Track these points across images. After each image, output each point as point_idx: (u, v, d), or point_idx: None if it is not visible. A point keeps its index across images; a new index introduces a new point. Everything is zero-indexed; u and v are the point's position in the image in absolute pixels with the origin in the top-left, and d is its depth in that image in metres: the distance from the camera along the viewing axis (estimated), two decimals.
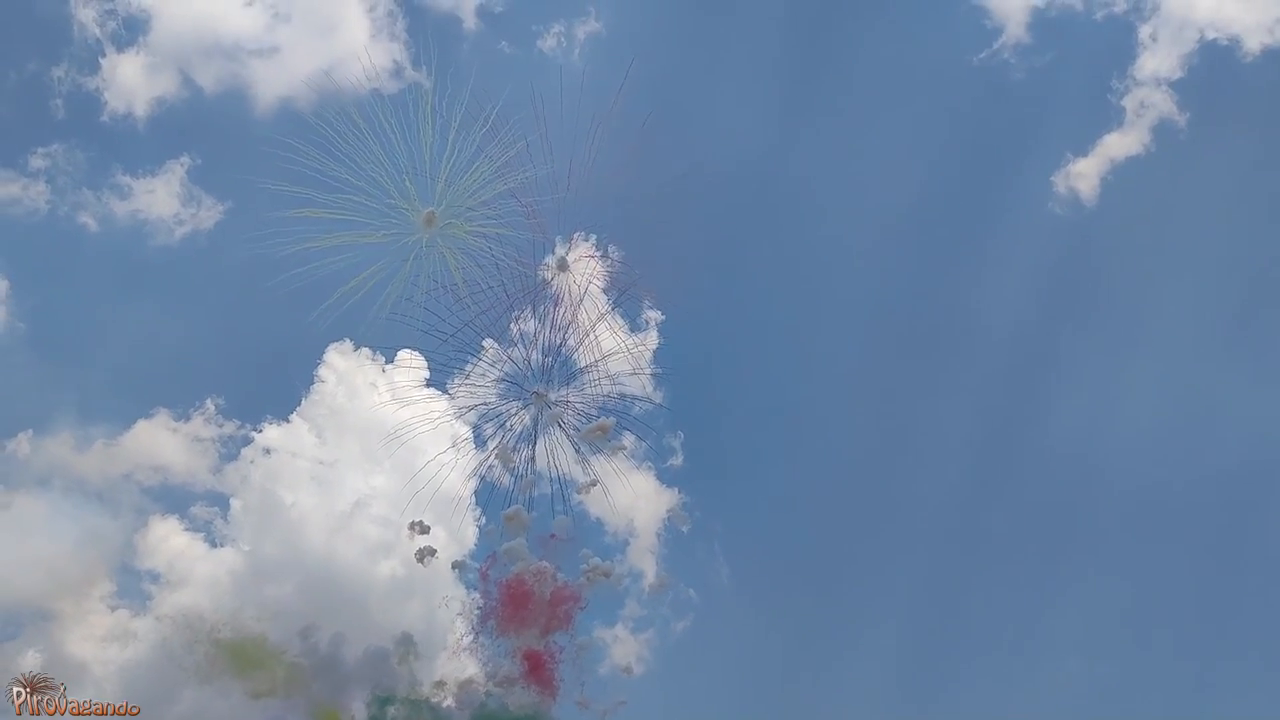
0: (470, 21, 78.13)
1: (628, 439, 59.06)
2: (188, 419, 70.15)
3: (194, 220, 74.80)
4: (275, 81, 74.14)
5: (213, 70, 75.66)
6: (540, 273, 57.36)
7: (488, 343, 58.25)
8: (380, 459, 62.14)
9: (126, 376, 71.74)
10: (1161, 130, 76.69)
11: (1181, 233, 77.29)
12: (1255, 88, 77.05)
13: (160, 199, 74.69)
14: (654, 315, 60.19)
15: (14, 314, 70.78)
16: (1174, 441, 74.59)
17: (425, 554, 57.38)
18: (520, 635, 55.82)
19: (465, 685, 55.08)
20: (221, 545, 64.67)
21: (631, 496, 59.60)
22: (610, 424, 58.22)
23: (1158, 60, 77.23)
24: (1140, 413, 75.24)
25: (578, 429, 58.61)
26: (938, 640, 71.98)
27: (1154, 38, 77.64)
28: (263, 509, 64.90)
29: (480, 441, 59.10)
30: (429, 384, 59.37)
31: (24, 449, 65.83)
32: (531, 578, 56.20)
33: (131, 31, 75.23)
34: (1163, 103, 76.59)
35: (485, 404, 58.85)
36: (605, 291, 58.45)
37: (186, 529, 65.77)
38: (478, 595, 56.99)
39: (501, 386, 58.87)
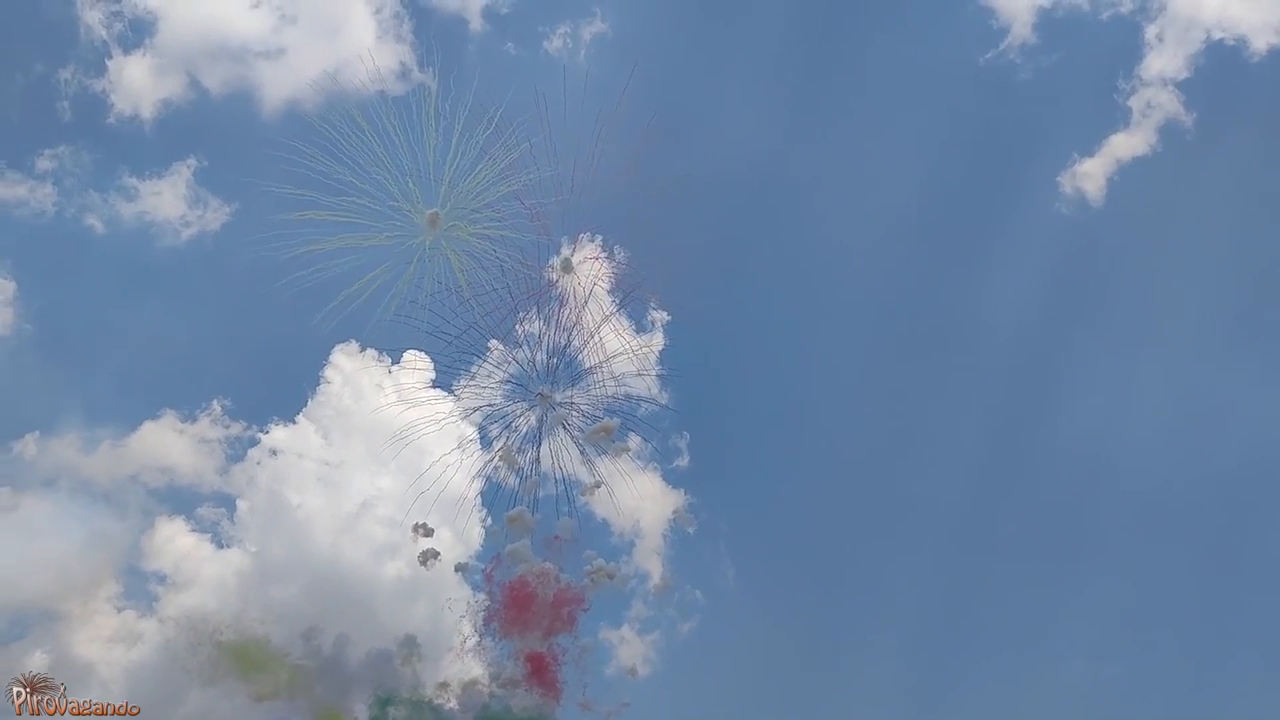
0: (476, 23, 78.38)
1: (633, 440, 59.24)
2: (194, 420, 70.39)
3: (200, 222, 75.14)
4: (282, 83, 74.42)
5: (219, 72, 75.99)
6: (545, 274, 57.43)
7: (493, 344, 58.39)
8: (386, 460, 62.07)
9: (133, 378, 72.25)
10: (1168, 130, 76.72)
11: (1188, 233, 77.20)
12: (1262, 88, 77.14)
13: (167, 201, 75.00)
14: (660, 316, 60.28)
15: (21, 315, 71.01)
16: (1181, 442, 74.62)
17: (428, 557, 57.52)
18: (523, 637, 55.88)
19: (469, 687, 55.17)
20: (228, 546, 64.92)
21: (637, 498, 59.69)
22: (615, 425, 58.27)
23: (1164, 60, 77.24)
24: (1147, 413, 75.32)
25: (583, 430, 58.76)
26: (944, 641, 71.99)
27: (1160, 38, 77.67)
28: (269, 510, 65.15)
29: (486, 442, 59.25)
30: (435, 385, 59.48)
31: (31, 450, 66.12)
32: (534, 580, 56.27)
33: (138, 33, 75.60)
34: (1169, 103, 76.57)
35: (490, 405, 59.00)
36: (611, 292, 58.55)
37: (193, 530, 66.00)
38: (483, 596, 57.27)
39: (507, 388, 59.02)
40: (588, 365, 58.75)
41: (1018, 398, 75.85)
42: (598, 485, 58.43)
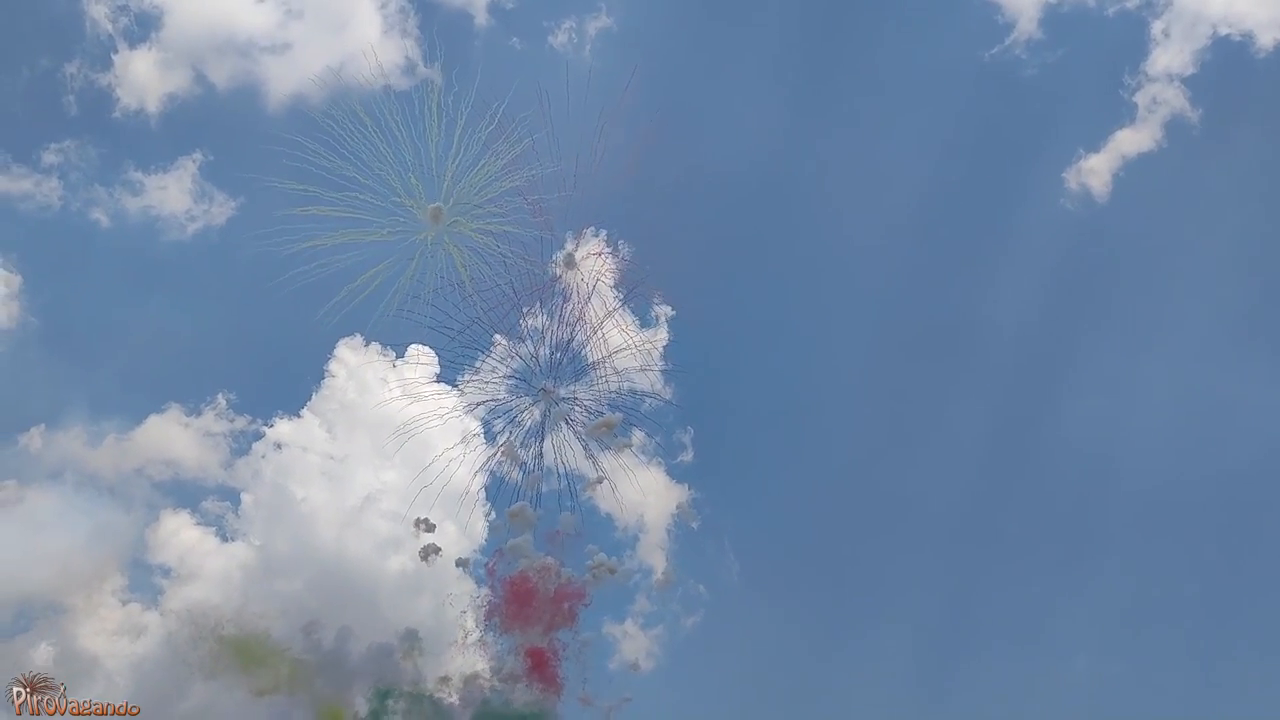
0: (481, 18, 78.13)
1: (636, 435, 59.30)
2: (199, 414, 70.49)
3: (206, 216, 75.13)
4: (287, 78, 74.23)
5: (225, 67, 75.89)
6: (549, 269, 57.49)
7: (497, 339, 58.46)
8: (391, 454, 62.18)
9: (138, 371, 72.37)
10: (1174, 126, 76.40)
11: (1194, 229, 77.01)
12: (1268, 84, 76.69)
13: (172, 195, 75.00)
14: (664, 311, 60.24)
15: (26, 309, 71.10)
16: (1186, 439, 74.37)
17: (429, 552, 57.66)
18: (524, 632, 55.98)
19: (469, 681, 55.30)
20: (233, 540, 65.07)
21: (641, 493, 59.73)
22: (617, 420, 58.32)
23: (1170, 56, 76.94)
24: (1152, 410, 75.07)
25: (585, 425, 58.79)
26: (947, 637, 71.93)
27: (1166, 33, 77.35)
28: (274, 504, 65.25)
29: (490, 436, 59.33)
30: (439, 379, 59.59)
31: (36, 443, 66.35)
32: (535, 575, 56.36)
33: (144, 28, 75.53)
34: (1175, 99, 76.31)
35: (494, 400, 59.07)
36: (615, 287, 58.57)
37: (198, 523, 66.17)
38: (486, 591, 57.42)
39: (510, 383, 59.09)
40: (591, 360, 58.96)
41: (1022, 394, 75.85)
42: (600, 480, 58.64)
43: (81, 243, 74.63)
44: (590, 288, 57.55)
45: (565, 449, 58.77)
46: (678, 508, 62.27)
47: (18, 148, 73.33)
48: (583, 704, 55.57)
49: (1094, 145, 76.76)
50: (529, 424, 59.06)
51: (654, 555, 62.26)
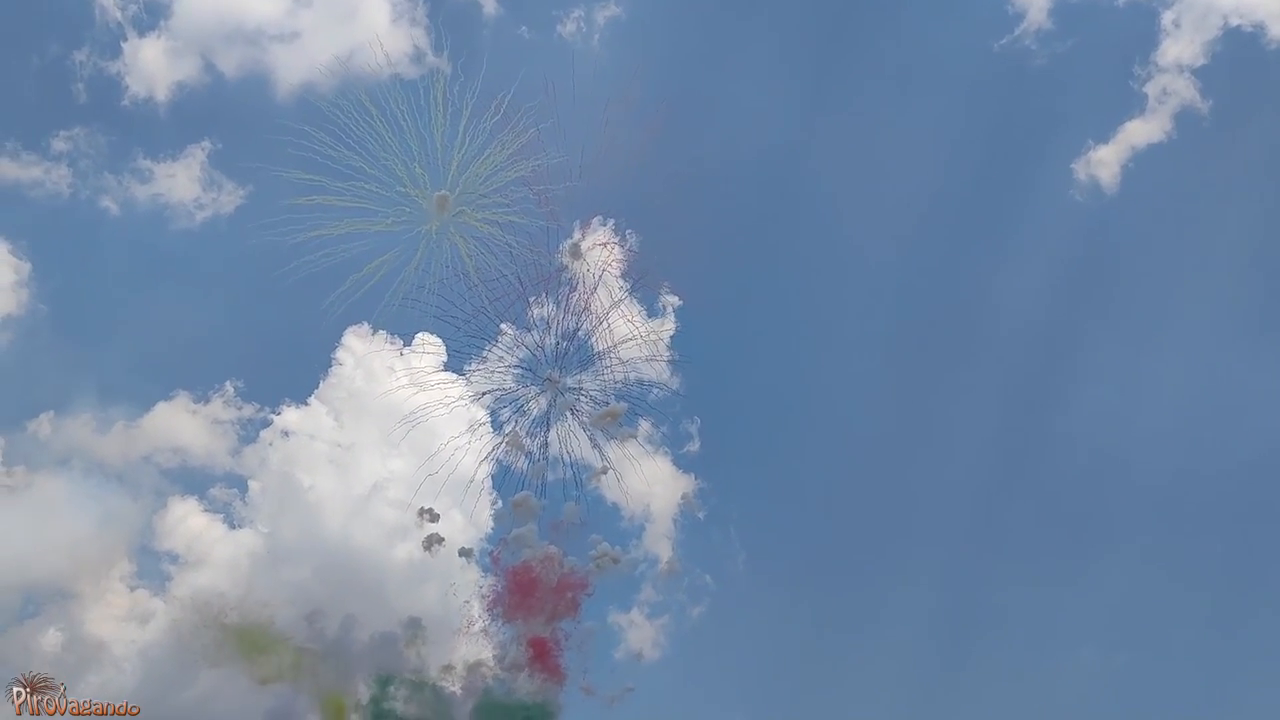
0: (490, 6, 78.35)
1: (641, 425, 59.25)
2: (207, 401, 70.92)
3: (214, 205, 75.52)
4: (296, 67, 74.42)
5: (234, 55, 76.19)
6: (555, 258, 57.41)
7: (505, 328, 58.41)
8: (398, 442, 62.28)
9: (147, 359, 72.67)
10: (1184, 117, 76.23)
11: (1203, 221, 76.86)
12: (1279, 75, 76.56)
13: (181, 183, 75.34)
14: (672, 300, 60.10)
15: (36, 296, 71.53)
16: (1194, 432, 74.42)
17: (433, 541, 57.64)
18: (527, 622, 56.08)
19: (472, 669, 55.43)
20: (240, 527, 65.43)
21: (647, 482, 59.68)
22: (621, 409, 58.20)
23: (1180, 47, 76.73)
24: (1161, 402, 75.14)
25: (591, 415, 58.75)
26: (954, 629, 71.99)
27: (1177, 24, 77.15)
28: (281, 491, 65.49)
29: (497, 425, 59.37)
30: (446, 368, 59.61)
31: (45, 430, 66.68)
32: (538, 564, 56.42)
33: (153, 16, 75.92)
34: (1185, 90, 76.08)
35: (500, 389, 59.06)
36: (623, 277, 58.48)
37: (205, 510, 66.63)
38: (491, 579, 57.49)
39: (517, 372, 59.07)
40: (597, 350, 58.92)
41: (1031, 386, 75.78)
42: (605, 470, 58.58)
43: (90, 230, 75.26)
44: (597, 277, 57.53)
45: (571, 438, 58.89)
46: (682, 498, 62.44)
47: (27, 135, 73.86)
48: (585, 693, 55.85)
49: (1103, 136, 76.85)
50: (535, 413, 59.16)
51: (660, 545, 62.36)
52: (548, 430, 58.57)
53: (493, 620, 56.61)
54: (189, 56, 75.52)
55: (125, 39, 75.24)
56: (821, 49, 79.89)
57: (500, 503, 58.38)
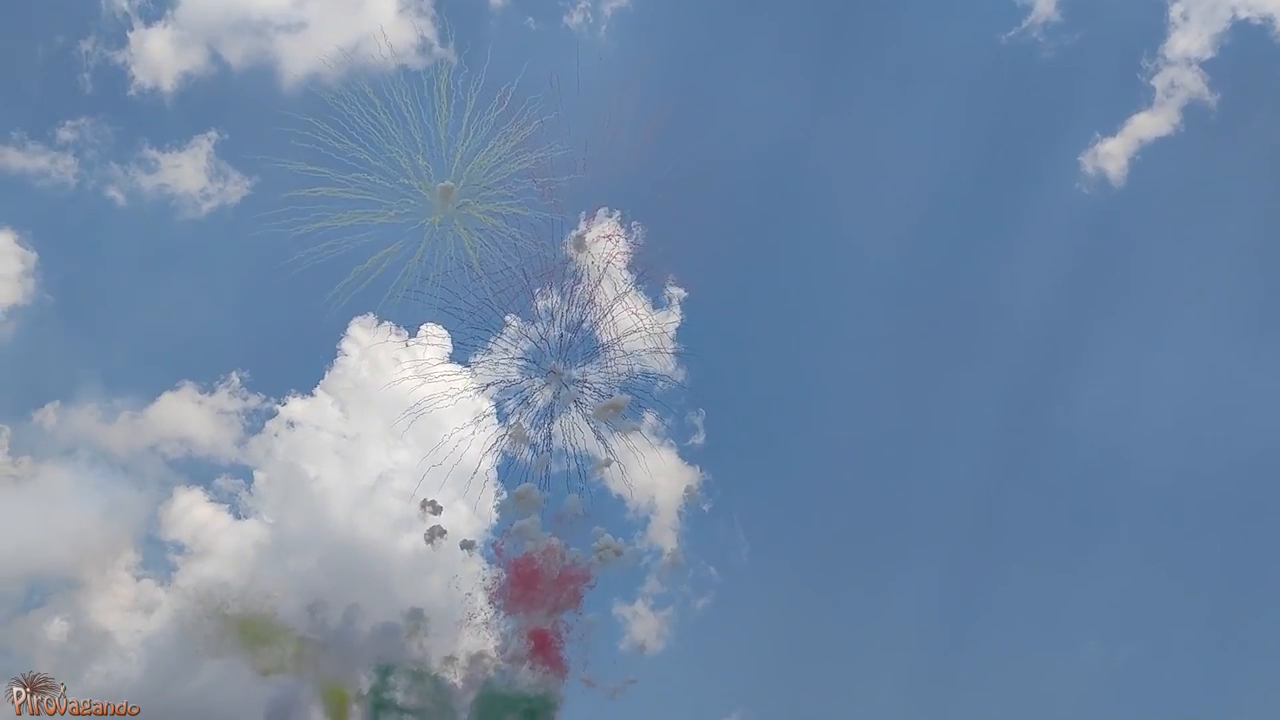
0: None
1: (649, 416, 59.21)
2: (213, 392, 71.09)
3: (221, 195, 75.44)
4: (302, 57, 74.32)
5: (240, 46, 76.11)
6: (560, 250, 57.33)
7: (510, 318, 58.38)
8: (403, 433, 62.34)
9: (152, 349, 72.98)
10: (1192, 111, 76.04)
11: (1210, 214, 76.75)
12: None
13: (187, 174, 75.35)
14: (677, 293, 60.03)
15: (42, 286, 71.64)
16: (1198, 427, 74.32)
17: (435, 534, 57.55)
18: (528, 614, 56.11)
19: (474, 660, 55.49)
20: (245, 517, 65.53)
21: (652, 474, 59.58)
22: (625, 401, 58.13)
23: (1189, 40, 76.52)
24: (1165, 397, 75.12)
25: (594, 407, 58.67)
26: (957, 621, 72.08)
27: (1185, 16, 76.94)
28: (286, 482, 65.54)
29: (503, 417, 59.37)
30: (452, 359, 59.61)
31: (51, 420, 67.00)
32: (540, 557, 56.44)
33: (159, 6, 75.99)
34: (1193, 83, 75.87)
35: (505, 381, 59.04)
36: (628, 269, 58.40)
37: (211, 501, 66.77)
38: (495, 571, 57.49)
39: (521, 363, 59.05)
40: (602, 342, 58.86)
41: (1035, 380, 75.76)
42: (608, 462, 58.48)
43: (96, 220, 75.33)
44: (601, 270, 57.45)
45: (575, 430, 58.88)
46: (686, 490, 62.43)
47: (33, 125, 74.06)
48: (586, 685, 55.91)
49: (1111, 129, 76.64)
50: (540, 405, 59.15)
51: (665, 537, 62.32)
52: (551, 422, 58.70)
53: (496, 612, 56.83)
54: (195, 47, 75.62)
55: (131, 29, 75.32)
56: (828, 40, 79.90)
57: (505, 494, 58.58)
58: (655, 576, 63.28)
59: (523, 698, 54.51)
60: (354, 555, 61.40)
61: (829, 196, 77.18)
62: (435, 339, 59.87)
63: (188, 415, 70.04)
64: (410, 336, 62.19)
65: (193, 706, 53.62)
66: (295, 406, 67.90)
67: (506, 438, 58.08)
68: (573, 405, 58.47)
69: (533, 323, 58.19)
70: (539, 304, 57.96)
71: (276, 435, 67.93)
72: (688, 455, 63.27)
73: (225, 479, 68.19)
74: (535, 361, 58.63)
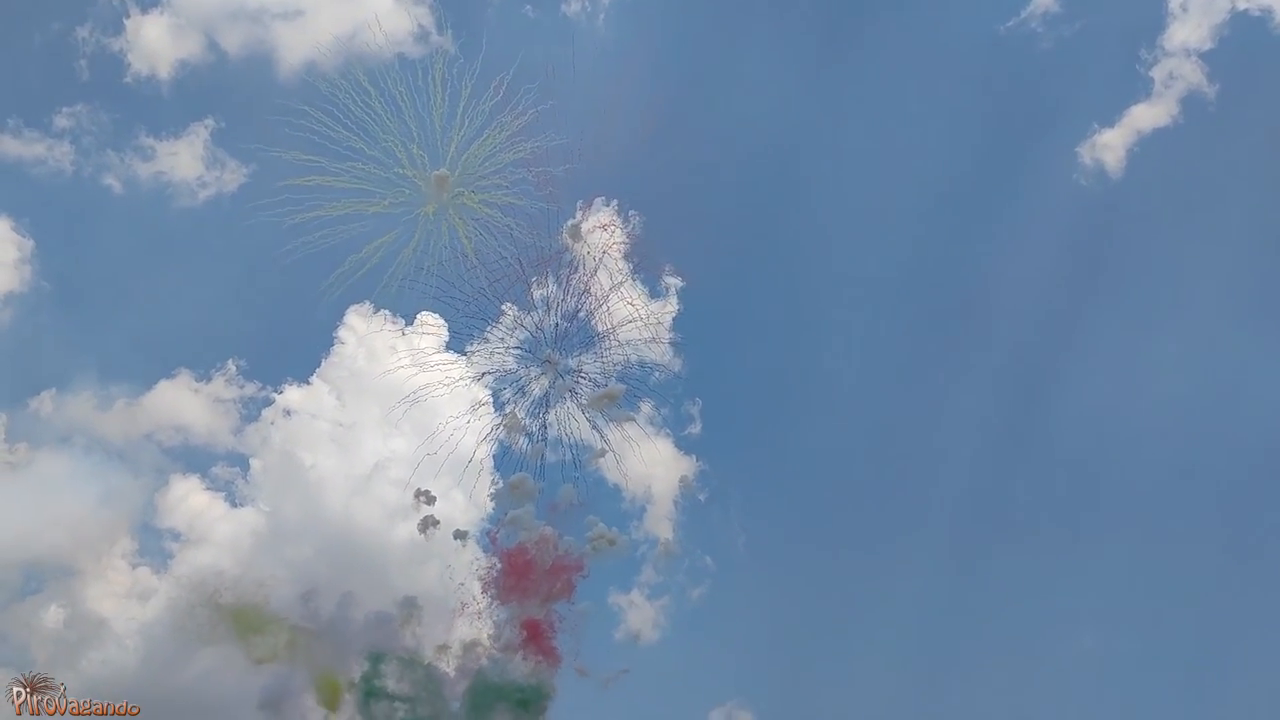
0: None
1: (645, 406, 59.16)
2: (209, 380, 71.22)
3: (217, 183, 75.40)
4: (300, 45, 74.22)
5: (237, 33, 75.97)
6: (556, 239, 57.24)
7: (506, 307, 58.31)
8: (399, 422, 62.36)
9: (149, 337, 72.91)
10: (1190, 102, 76.03)
11: (1208, 206, 76.73)
12: None
13: (184, 161, 75.33)
14: (674, 282, 59.98)
15: (38, 273, 71.67)
16: (1195, 417, 74.40)
17: (428, 524, 57.51)
18: (522, 604, 56.10)
19: (467, 649, 55.53)
20: (242, 505, 65.75)
21: (648, 464, 59.62)
22: (619, 391, 58.07)
23: (1188, 31, 76.42)
24: (1162, 388, 75.21)
25: (589, 396, 58.67)
26: (954, 613, 72.02)
27: (1184, 8, 76.93)
28: (283, 470, 65.74)
29: (499, 405, 59.37)
30: (448, 347, 59.55)
31: (47, 407, 67.04)
32: (533, 546, 56.43)
33: None
34: (1192, 74, 75.84)
35: (501, 370, 59.00)
36: (625, 258, 58.32)
37: (207, 488, 66.98)
38: (490, 560, 57.50)
39: (517, 352, 58.98)
40: (599, 331, 58.79)
41: (1033, 369, 75.89)
42: (603, 452, 58.47)
43: (93, 208, 75.41)
44: (598, 259, 57.38)
45: (571, 420, 58.85)
46: (682, 480, 62.44)
47: (30, 112, 74.00)
48: (579, 674, 55.90)
49: (1109, 120, 76.62)
50: (536, 394, 59.11)
51: (661, 526, 62.45)
52: (547, 411, 58.67)
53: (490, 601, 56.82)
54: (192, 34, 75.53)
55: (128, 16, 75.31)
56: (827, 29, 79.88)
57: (500, 483, 58.59)
58: (651, 566, 63.53)
59: (515, 687, 54.51)
60: (350, 543, 61.63)
61: (826, 186, 77.45)
62: (431, 327, 59.73)
63: (184, 403, 70.24)
64: (406, 325, 62.27)
65: (187, 694, 53.87)
66: (291, 395, 68.21)
67: (502, 427, 58.14)
68: (568, 394, 58.57)
69: (529, 312, 58.27)
70: (535, 293, 58.03)
71: (272, 423, 68.34)
72: (684, 445, 63.59)
73: (221, 467, 68.47)
74: (531, 350, 58.72)
